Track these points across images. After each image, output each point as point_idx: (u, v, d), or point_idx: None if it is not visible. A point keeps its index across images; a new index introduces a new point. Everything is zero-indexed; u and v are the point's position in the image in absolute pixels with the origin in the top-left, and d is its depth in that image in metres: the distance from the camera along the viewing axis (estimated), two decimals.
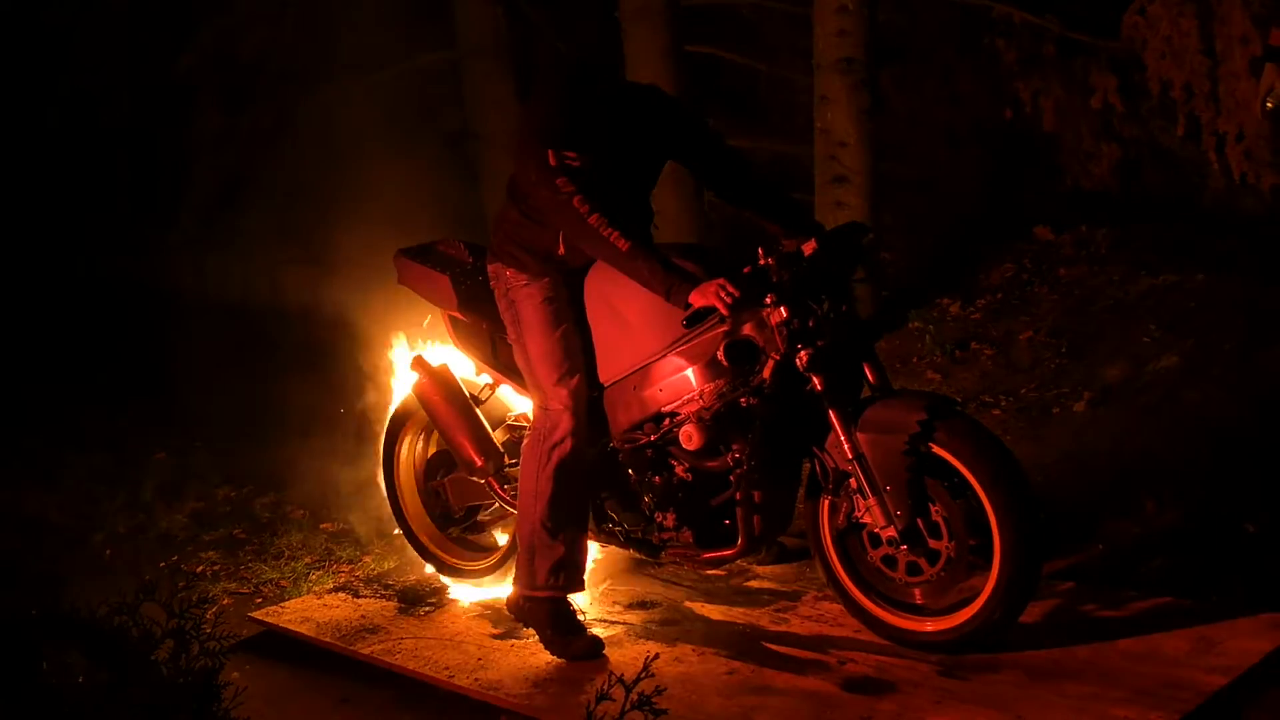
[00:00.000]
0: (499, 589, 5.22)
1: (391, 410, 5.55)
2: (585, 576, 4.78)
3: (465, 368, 5.28)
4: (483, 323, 4.97)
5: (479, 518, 5.40)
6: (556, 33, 4.73)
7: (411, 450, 5.53)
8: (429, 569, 5.48)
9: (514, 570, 4.79)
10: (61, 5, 9.14)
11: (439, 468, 5.43)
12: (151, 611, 3.49)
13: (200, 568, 6.05)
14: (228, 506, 6.82)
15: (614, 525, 4.86)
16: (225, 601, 5.62)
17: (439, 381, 5.17)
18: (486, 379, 5.18)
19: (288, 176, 8.73)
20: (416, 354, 5.35)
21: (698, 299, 4.19)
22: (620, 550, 5.20)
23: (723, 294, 4.14)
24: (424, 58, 9.53)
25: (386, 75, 9.27)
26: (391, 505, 5.56)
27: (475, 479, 5.18)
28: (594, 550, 5.01)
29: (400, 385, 5.58)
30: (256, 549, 6.20)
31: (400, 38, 9.14)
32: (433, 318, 5.41)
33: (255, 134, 8.93)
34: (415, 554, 5.54)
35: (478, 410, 5.16)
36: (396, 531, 5.76)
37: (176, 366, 8.42)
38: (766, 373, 4.27)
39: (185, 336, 8.67)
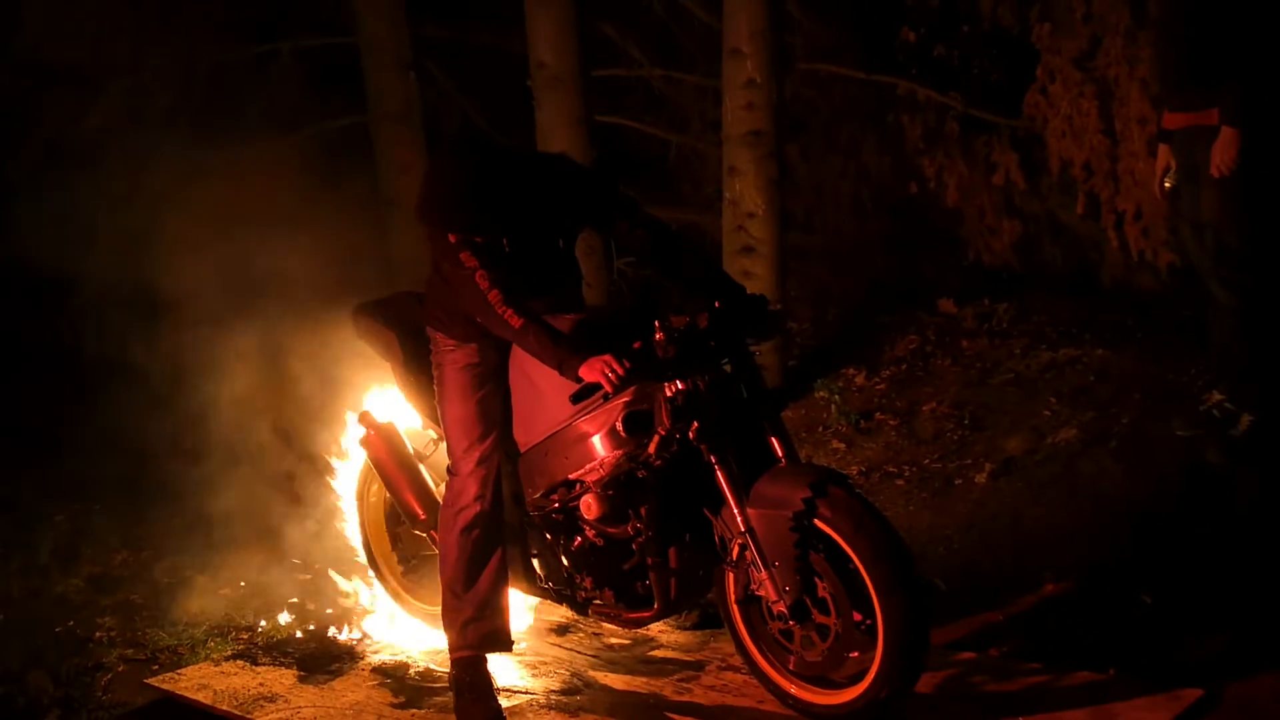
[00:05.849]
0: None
1: (362, 457, 5.52)
2: (509, 639, 4.77)
3: (414, 421, 5.30)
4: (427, 379, 4.98)
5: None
6: (466, 102, 4.75)
7: (381, 493, 5.55)
8: (384, 604, 5.51)
9: None
10: None
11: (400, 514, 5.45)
12: (41, 680, 3.42)
13: (96, 634, 5.92)
14: (126, 570, 6.68)
15: (544, 583, 4.91)
16: (120, 669, 5.49)
17: (383, 436, 5.24)
18: (432, 434, 5.21)
19: (194, 237, 8.63)
20: (364, 409, 5.39)
21: (586, 373, 4.19)
22: (526, 618, 5.21)
23: (608, 371, 4.14)
24: (335, 122, 9.50)
25: (297, 138, 9.22)
26: (363, 544, 5.60)
27: (418, 532, 5.20)
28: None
29: (352, 438, 5.58)
30: (154, 614, 6.08)
31: (312, 102, 9.11)
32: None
33: (160, 194, 8.82)
34: (381, 592, 5.57)
35: (421, 465, 5.21)
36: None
37: (76, 428, 8.27)
38: (652, 447, 4.29)
39: (85, 398, 8.51)
